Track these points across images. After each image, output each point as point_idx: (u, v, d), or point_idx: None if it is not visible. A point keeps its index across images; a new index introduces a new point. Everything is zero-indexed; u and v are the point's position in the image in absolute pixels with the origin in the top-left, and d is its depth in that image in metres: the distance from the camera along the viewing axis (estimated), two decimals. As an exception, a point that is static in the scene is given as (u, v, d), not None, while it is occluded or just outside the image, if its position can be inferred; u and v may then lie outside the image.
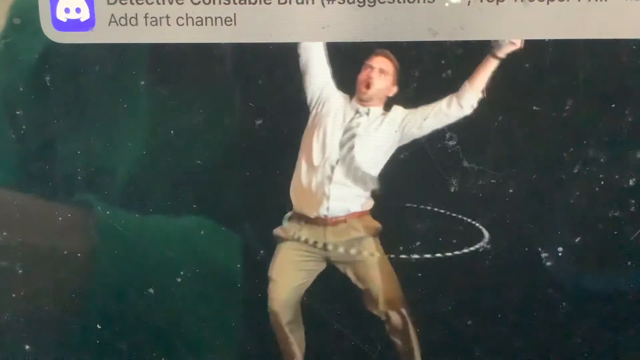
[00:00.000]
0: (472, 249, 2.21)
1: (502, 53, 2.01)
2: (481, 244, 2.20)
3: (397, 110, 2.16)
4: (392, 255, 2.12)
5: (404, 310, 2.17)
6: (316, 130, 2.16)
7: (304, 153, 2.18)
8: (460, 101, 2.06)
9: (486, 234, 2.23)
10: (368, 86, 2.15)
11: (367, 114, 2.16)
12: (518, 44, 1.99)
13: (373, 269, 2.18)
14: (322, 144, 2.16)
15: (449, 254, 2.25)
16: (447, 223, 2.28)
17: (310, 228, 2.18)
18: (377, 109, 2.17)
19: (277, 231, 2.23)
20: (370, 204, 2.20)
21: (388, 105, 2.19)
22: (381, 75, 2.15)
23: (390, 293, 2.17)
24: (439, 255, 2.20)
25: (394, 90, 2.21)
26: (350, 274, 2.21)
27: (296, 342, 2.23)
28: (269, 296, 2.21)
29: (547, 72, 2.37)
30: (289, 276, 2.21)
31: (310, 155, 2.16)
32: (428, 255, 2.17)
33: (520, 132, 2.46)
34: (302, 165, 2.17)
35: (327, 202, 2.14)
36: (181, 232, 2.76)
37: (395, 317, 2.18)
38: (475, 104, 2.06)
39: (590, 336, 2.38)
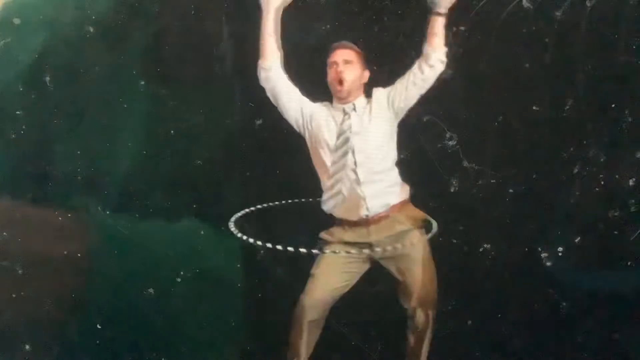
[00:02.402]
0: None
1: (443, 8, 2.04)
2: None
3: (378, 92, 2.17)
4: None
5: (431, 313, 2.17)
6: (320, 148, 2.17)
7: (322, 171, 2.19)
8: (429, 62, 2.08)
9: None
10: (341, 82, 2.15)
11: (354, 109, 2.16)
12: None
13: (416, 264, 2.16)
14: (332, 156, 2.16)
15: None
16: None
17: (354, 230, 2.18)
18: (360, 100, 2.18)
19: (323, 235, 2.23)
20: (406, 190, 2.20)
21: (367, 91, 2.20)
22: (347, 65, 2.16)
23: (426, 292, 2.16)
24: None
25: (366, 75, 2.22)
26: (392, 268, 2.18)
27: (307, 342, 2.22)
28: (305, 289, 2.20)
29: (547, 70, 2.38)
30: (331, 277, 2.19)
31: (328, 170, 2.17)
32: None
33: (520, 132, 2.47)
34: (326, 181, 2.18)
35: (365, 203, 2.15)
36: (181, 232, 2.76)
37: (420, 316, 2.17)
38: (444, 59, 2.08)
39: (590, 336, 2.38)
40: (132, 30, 2.66)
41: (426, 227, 2.20)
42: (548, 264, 2.40)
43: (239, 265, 2.74)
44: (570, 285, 2.39)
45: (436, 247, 2.21)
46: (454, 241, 2.44)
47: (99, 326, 2.66)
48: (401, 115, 2.17)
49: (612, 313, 2.36)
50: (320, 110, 2.19)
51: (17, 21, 2.65)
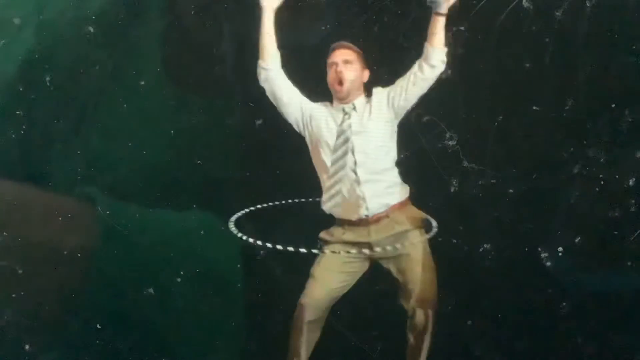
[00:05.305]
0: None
1: (443, 9, 2.03)
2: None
3: (378, 91, 2.16)
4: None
5: (430, 313, 2.17)
6: (320, 148, 2.16)
7: (322, 170, 2.19)
8: (429, 62, 2.06)
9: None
10: (341, 83, 2.14)
11: (354, 109, 2.16)
12: None
13: (416, 264, 2.16)
14: (332, 157, 2.16)
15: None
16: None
17: (354, 230, 2.17)
18: (360, 100, 2.17)
19: (323, 235, 2.24)
20: (406, 190, 2.19)
21: (367, 91, 2.20)
22: (347, 65, 2.14)
23: (426, 292, 2.15)
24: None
25: (366, 75, 2.20)
26: (392, 268, 2.18)
27: (307, 342, 2.21)
28: (304, 290, 2.20)
29: (547, 70, 2.38)
30: (331, 277, 2.19)
31: (328, 169, 2.17)
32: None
33: (520, 132, 2.47)
34: (326, 181, 2.18)
35: (364, 203, 2.13)
36: (181, 232, 2.76)
37: (420, 316, 2.16)
38: (445, 58, 2.07)
39: (590, 336, 2.38)
40: (132, 30, 2.67)
41: (426, 227, 2.21)
42: (548, 264, 2.40)
43: (239, 265, 2.74)
44: (570, 285, 2.39)
45: (436, 247, 2.21)
46: (454, 241, 2.44)
47: (99, 326, 2.66)
48: (401, 114, 2.16)
49: (612, 313, 2.36)
50: (320, 110, 2.19)
51: (17, 21, 2.66)
